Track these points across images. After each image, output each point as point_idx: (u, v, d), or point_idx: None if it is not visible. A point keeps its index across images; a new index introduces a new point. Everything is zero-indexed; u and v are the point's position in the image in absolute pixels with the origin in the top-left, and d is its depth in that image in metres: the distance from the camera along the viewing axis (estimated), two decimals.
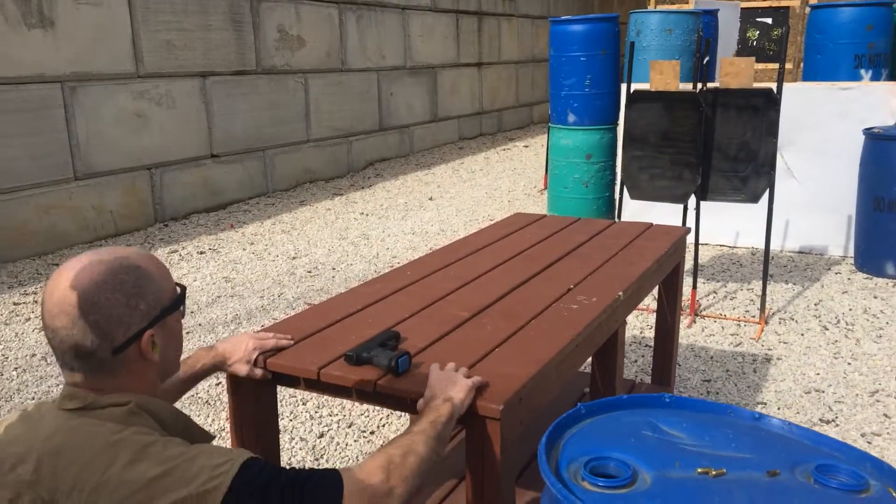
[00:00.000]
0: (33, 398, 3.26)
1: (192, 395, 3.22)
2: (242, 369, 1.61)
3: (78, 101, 5.51)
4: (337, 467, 1.21)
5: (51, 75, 5.33)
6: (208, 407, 3.15)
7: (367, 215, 6.52)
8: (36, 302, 4.44)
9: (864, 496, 1.16)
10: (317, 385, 1.61)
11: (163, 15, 6.08)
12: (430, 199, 7.13)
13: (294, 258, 5.30)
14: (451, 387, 1.42)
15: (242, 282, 4.77)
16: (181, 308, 1.23)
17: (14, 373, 3.51)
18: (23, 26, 5.13)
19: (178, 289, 1.23)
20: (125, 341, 1.13)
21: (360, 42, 8.38)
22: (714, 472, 1.19)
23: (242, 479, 1.08)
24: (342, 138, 8.23)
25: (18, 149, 5.16)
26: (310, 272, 4.98)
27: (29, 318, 4.18)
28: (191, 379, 1.56)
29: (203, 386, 3.29)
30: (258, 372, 1.61)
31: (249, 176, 7.07)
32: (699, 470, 1.20)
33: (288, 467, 1.16)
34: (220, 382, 3.34)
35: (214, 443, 1.25)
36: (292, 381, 1.65)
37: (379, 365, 1.55)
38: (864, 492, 1.17)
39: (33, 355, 3.71)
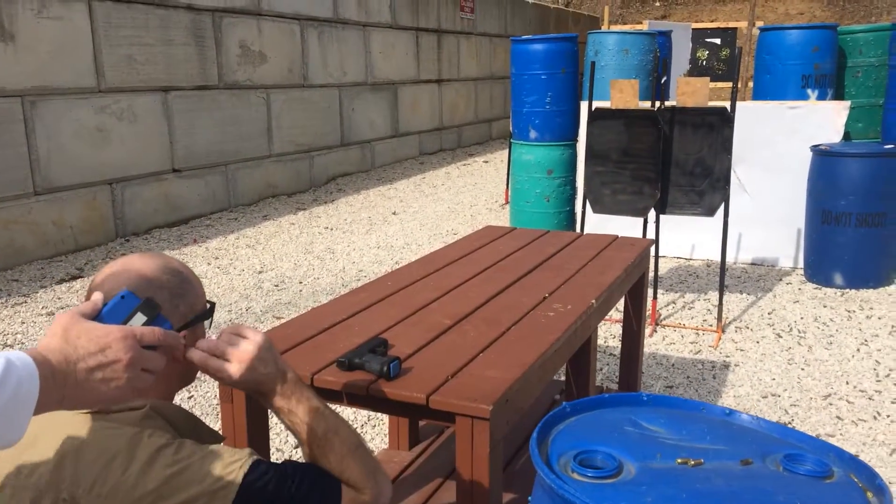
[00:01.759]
0: None
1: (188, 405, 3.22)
2: None
3: (38, 115, 5.45)
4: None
5: (11, 89, 5.27)
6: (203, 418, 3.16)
7: (332, 230, 6.56)
8: None
9: (828, 482, 1.27)
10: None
11: (124, 30, 6.06)
12: (394, 213, 7.20)
13: (260, 272, 5.31)
14: (268, 356, 1.25)
15: (208, 296, 4.77)
16: (210, 320, 1.29)
17: None
18: None
19: (208, 304, 1.29)
20: None
21: (321, 58, 8.44)
22: (692, 462, 1.28)
23: (252, 477, 1.13)
24: (304, 153, 8.26)
25: None
26: (277, 286, 5.00)
27: None
28: None
29: (199, 393, 3.29)
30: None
31: (211, 191, 7.05)
32: (678, 460, 1.29)
33: (289, 464, 1.22)
34: (211, 392, 3.36)
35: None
36: None
37: (371, 370, 1.61)
38: (828, 478, 1.27)
39: None
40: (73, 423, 1.16)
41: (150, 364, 1.04)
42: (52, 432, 1.16)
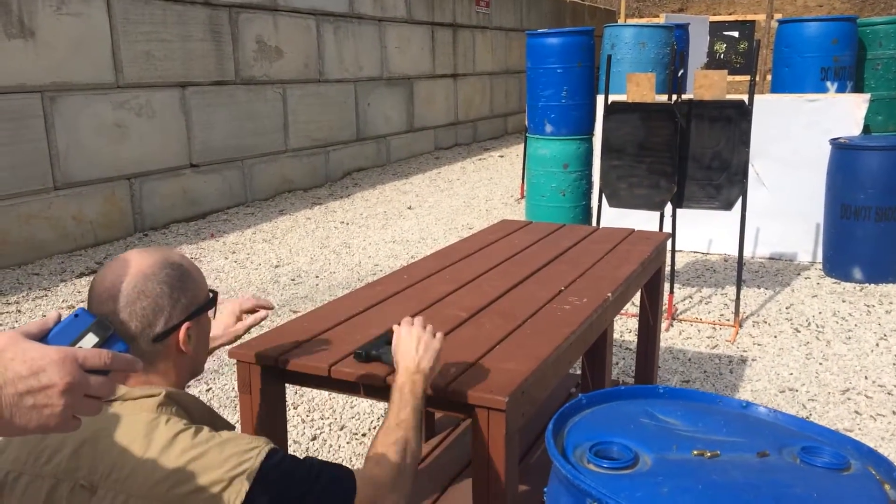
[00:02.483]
0: None
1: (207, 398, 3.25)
2: (232, 340, 1.69)
3: (58, 110, 5.51)
4: (351, 467, 1.29)
5: (31, 85, 5.33)
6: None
7: (348, 224, 6.59)
8: (19, 311, 4.43)
9: (845, 474, 1.26)
10: (326, 382, 1.67)
11: (142, 26, 6.10)
12: (409, 208, 7.22)
13: (277, 266, 5.34)
14: (420, 351, 1.47)
15: (226, 290, 4.81)
16: (213, 310, 1.31)
17: None
18: (3, 36, 5.13)
19: (211, 293, 1.31)
20: (165, 331, 1.22)
21: (337, 53, 8.45)
22: (709, 454, 1.28)
23: (268, 465, 1.15)
24: (320, 148, 8.29)
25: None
26: (293, 280, 5.03)
27: (13, 327, 4.17)
28: None
29: (217, 385, 3.32)
30: (240, 326, 1.69)
31: (228, 185, 7.10)
32: (695, 452, 1.29)
33: (305, 457, 1.24)
34: (229, 384, 3.39)
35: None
36: (302, 379, 1.72)
37: (387, 362, 1.62)
38: (845, 470, 1.27)
39: None
40: None
41: (94, 390, 0.93)
42: None
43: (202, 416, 1.27)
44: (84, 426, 1.16)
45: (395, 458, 1.31)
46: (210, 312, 1.33)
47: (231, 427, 1.32)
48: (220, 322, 1.69)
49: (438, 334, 1.53)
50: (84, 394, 0.92)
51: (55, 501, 1.13)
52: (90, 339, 0.99)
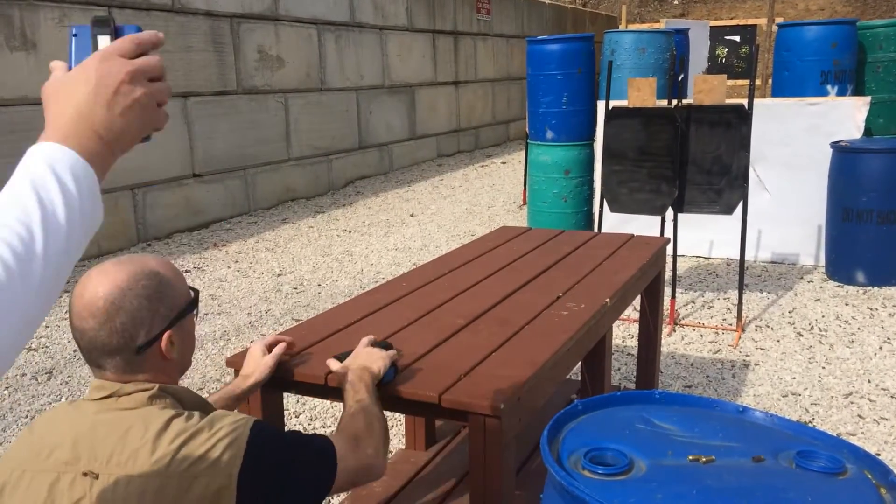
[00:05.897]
0: (25, 417, 3.28)
1: None
2: (266, 373, 1.69)
3: None
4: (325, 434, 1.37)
5: (33, 97, 5.35)
6: None
7: (350, 232, 6.60)
8: None
9: (841, 478, 1.26)
10: (323, 390, 1.68)
11: None
12: (412, 215, 7.23)
13: (279, 275, 5.35)
14: (367, 358, 1.61)
15: (229, 299, 4.82)
16: (195, 310, 1.33)
17: (5, 392, 3.52)
18: (6, 49, 5.16)
19: (192, 292, 1.32)
20: (147, 341, 1.24)
21: (338, 62, 8.48)
22: (704, 460, 1.28)
23: (257, 432, 1.22)
24: (322, 157, 8.31)
25: (1, 170, 5.17)
26: (295, 289, 5.04)
27: None
28: (235, 399, 1.64)
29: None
30: (269, 358, 1.70)
31: (231, 195, 7.11)
32: (690, 458, 1.29)
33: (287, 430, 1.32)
34: None
35: None
36: (299, 387, 1.72)
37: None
38: (841, 474, 1.26)
39: (23, 374, 3.72)
40: (87, 408, 1.22)
41: (149, 69, 0.90)
42: (67, 419, 1.22)
43: (194, 405, 1.30)
44: (79, 422, 1.20)
45: (360, 421, 1.44)
46: (194, 312, 1.35)
47: None
48: (252, 362, 1.70)
49: (391, 352, 1.67)
50: (147, 77, 0.90)
51: (57, 493, 1.16)
52: (104, 41, 0.96)
